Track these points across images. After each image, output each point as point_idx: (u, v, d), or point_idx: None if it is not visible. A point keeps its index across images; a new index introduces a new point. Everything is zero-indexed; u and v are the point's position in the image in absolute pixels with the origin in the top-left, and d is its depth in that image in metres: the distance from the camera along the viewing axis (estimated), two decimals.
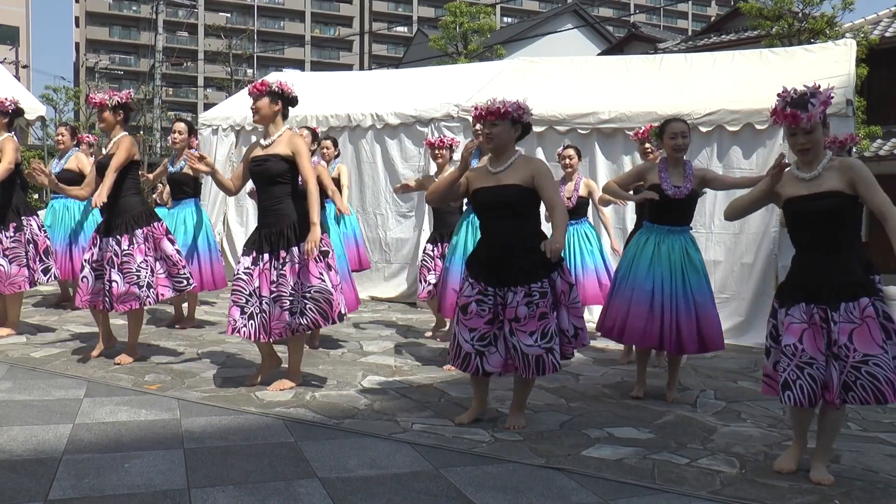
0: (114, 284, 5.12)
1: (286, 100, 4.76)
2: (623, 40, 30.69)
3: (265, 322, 4.59)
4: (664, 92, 7.96)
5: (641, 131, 6.01)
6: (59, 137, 7.65)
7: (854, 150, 5.60)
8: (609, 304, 4.99)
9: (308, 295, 4.52)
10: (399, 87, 9.93)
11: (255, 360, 5.54)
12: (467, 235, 5.70)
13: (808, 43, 13.20)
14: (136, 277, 5.16)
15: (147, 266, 5.22)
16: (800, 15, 15.76)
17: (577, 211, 6.63)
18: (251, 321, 4.59)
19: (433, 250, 6.50)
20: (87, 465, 3.28)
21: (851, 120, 6.99)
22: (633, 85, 8.31)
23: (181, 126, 6.77)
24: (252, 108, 4.70)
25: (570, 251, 6.57)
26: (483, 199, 4.07)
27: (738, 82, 7.81)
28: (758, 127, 7.06)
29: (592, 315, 6.67)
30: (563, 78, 8.85)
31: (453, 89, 9.16)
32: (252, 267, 4.61)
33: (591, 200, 6.75)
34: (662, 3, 68.92)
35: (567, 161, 6.58)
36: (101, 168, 5.30)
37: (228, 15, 62.89)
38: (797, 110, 3.44)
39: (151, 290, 5.23)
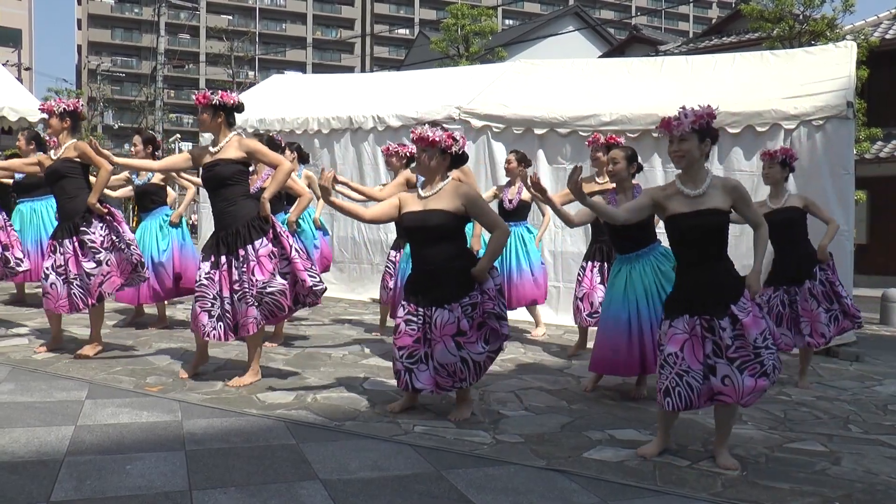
0: (92, 277, 5.28)
1: (228, 109, 4.93)
2: (624, 42, 30.69)
3: (229, 322, 4.77)
4: (665, 94, 7.96)
5: (590, 139, 6.08)
6: (18, 143, 7.64)
7: (790, 163, 5.57)
8: (597, 339, 5.06)
9: (265, 291, 4.70)
10: (401, 90, 9.94)
11: None
12: None
13: (809, 45, 13.19)
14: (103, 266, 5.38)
15: (110, 251, 5.43)
16: (800, 17, 15.73)
17: (517, 213, 6.94)
18: (220, 323, 4.76)
19: (396, 256, 6.60)
20: (89, 467, 3.29)
21: (852, 122, 6.99)
22: (634, 87, 8.31)
23: (137, 139, 6.86)
24: (197, 119, 4.94)
25: (506, 252, 6.86)
26: (409, 223, 4.22)
27: (739, 84, 7.82)
28: (758, 129, 7.06)
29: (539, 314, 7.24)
30: (564, 80, 8.86)
31: (455, 91, 9.17)
32: (212, 271, 4.77)
33: (535, 203, 7.03)
34: (664, 6, 68.94)
35: (507, 166, 6.91)
36: (51, 174, 5.44)
37: (230, 17, 62.92)
38: (673, 119, 3.67)
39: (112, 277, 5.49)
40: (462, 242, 4.29)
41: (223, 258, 4.74)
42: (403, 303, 4.26)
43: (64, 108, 5.44)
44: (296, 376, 5.19)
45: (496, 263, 6.65)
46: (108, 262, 5.32)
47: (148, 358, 5.57)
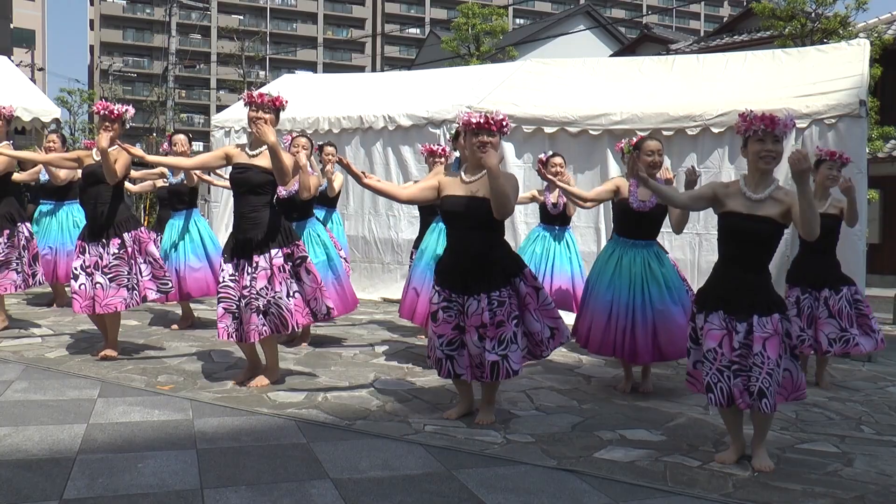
0: (97, 286, 5.29)
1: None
2: (635, 41, 30.62)
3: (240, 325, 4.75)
4: (676, 93, 7.93)
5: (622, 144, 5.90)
6: (50, 145, 7.63)
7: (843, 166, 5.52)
8: (580, 312, 5.24)
9: (273, 301, 4.66)
10: (411, 89, 9.94)
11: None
12: (437, 240, 5.82)
13: (822, 43, 13.11)
14: (125, 280, 5.35)
15: (134, 269, 5.39)
16: (813, 15, 15.63)
17: (563, 218, 6.62)
18: (241, 325, 4.72)
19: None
20: (101, 465, 3.31)
21: (864, 121, 6.94)
22: (645, 86, 8.29)
23: (182, 138, 6.89)
24: (255, 118, 4.64)
25: (549, 257, 6.59)
26: (452, 207, 4.14)
27: (750, 83, 7.78)
28: None
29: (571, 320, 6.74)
30: (575, 79, 8.84)
31: (465, 91, 9.17)
32: (235, 273, 4.74)
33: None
34: (675, 4, 68.69)
35: (558, 169, 6.25)
36: (91, 175, 5.39)
37: (241, 17, 63.12)
38: (779, 119, 3.58)
39: (136, 292, 5.40)
40: (501, 232, 4.19)
41: (242, 262, 4.71)
42: (437, 288, 4.18)
43: (130, 116, 5.40)
44: (306, 376, 5.20)
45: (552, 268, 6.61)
46: (97, 286, 5.28)
47: (159, 357, 5.60)
